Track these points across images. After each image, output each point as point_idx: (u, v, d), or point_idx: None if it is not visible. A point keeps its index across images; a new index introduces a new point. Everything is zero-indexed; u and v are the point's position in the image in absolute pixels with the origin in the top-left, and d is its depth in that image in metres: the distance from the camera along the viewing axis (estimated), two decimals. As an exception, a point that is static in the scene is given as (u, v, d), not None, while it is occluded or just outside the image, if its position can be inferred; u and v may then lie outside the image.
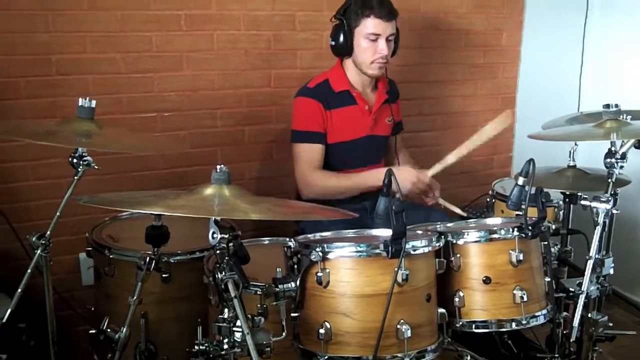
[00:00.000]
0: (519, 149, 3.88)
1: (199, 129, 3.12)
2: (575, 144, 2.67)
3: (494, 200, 3.11)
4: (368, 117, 2.83)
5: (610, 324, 2.41)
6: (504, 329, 2.05)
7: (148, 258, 2.09)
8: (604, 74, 3.85)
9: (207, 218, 1.67)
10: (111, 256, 2.36)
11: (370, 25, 2.65)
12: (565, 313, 2.34)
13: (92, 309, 2.55)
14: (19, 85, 2.78)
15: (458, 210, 2.75)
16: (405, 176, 2.60)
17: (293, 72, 3.21)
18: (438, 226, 2.28)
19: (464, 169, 3.77)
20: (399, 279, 1.79)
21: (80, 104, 2.06)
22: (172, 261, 2.31)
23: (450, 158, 2.67)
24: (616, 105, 2.26)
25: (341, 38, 2.69)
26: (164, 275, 2.28)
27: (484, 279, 1.99)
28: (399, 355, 1.81)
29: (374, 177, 2.64)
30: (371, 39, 2.66)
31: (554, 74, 3.88)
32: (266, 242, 2.55)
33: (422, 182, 2.65)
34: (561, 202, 2.77)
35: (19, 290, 1.95)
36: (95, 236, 2.49)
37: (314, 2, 3.20)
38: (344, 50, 2.72)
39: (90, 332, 2.28)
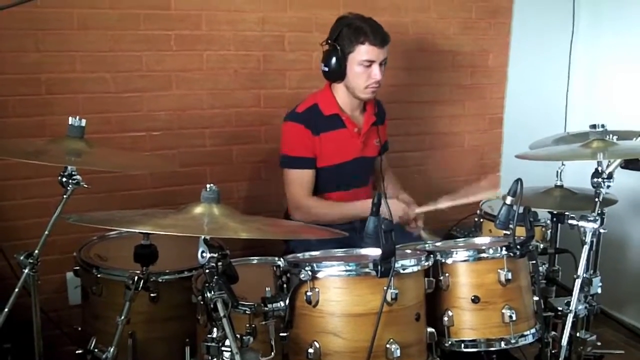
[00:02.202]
0: (507, 169, 3.90)
1: (188, 148, 3.12)
2: (563, 164, 2.70)
3: (481, 220, 3.11)
4: (357, 140, 2.84)
5: (599, 343, 2.42)
6: (492, 348, 2.05)
7: (136, 277, 2.09)
8: (590, 94, 3.89)
9: (196, 237, 1.67)
10: (99, 275, 2.35)
11: (364, 51, 2.66)
12: (553, 332, 2.34)
13: (79, 328, 2.53)
14: (8, 104, 2.77)
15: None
16: (395, 209, 2.61)
17: (282, 92, 3.23)
18: (427, 245, 2.29)
19: (452, 189, 3.78)
20: (388, 298, 1.79)
21: (70, 122, 2.07)
22: (161, 280, 2.30)
23: (444, 203, 2.63)
24: (602, 126, 2.28)
25: (334, 63, 2.68)
26: (152, 295, 2.27)
27: (473, 298, 2.00)
28: (389, 374, 1.81)
29: (366, 207, 2.64)
30: (365, 65, 2.67)
31: (541, 94, 3.91)
32: (255, 261, 2.54)
33: (409, 215, 2.67)
34: (549, 222, 2.79)
35: (6, 309, 1.94)
36: (83, 255, 2.48)
37: (303, 24, 3.22)
38: (336, 75, 2.72)
39: (78, 352, 2.27)
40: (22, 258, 1.96)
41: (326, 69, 2.72)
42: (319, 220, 2.69)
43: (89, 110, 2.86)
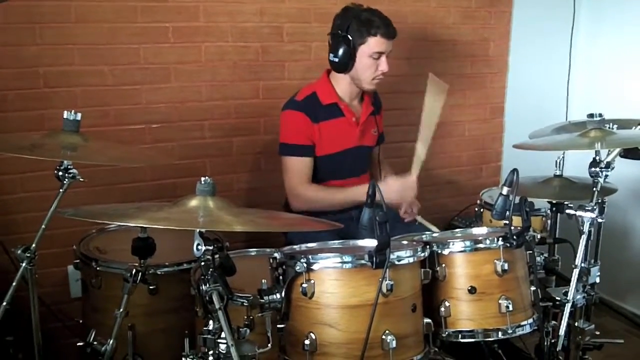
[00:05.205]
0: (508, 159, 3.90)
1: (187, 141, 3.12)
2: (562, 153, 2.68)
3: (482, 210, 3.11)
4: (356, 129, 2.84)
5: (597, 333, 2.42)
6: (490, 339, 2.05)
7: (134, 270, 2.09)
8: (592, 82, 3.87)
9: (194, 230, 1.67)
10: (98, 268, 2.36)
11: (375, 44, 2.67)
12: (553, 322, 2.34)
13: (80, 321, 2.55)
14: (6, 98, 2.78)
15: (434, 229, 2.73)
16: (393, 188, 2.62)
17: (281, 84, 3.22)
18: (423, 236, 2.28)
19: (453, 179, 3.79)
20: (384, 290, 1.79)
21: (65, 116, 2.07)
22: (159, 273, 2.31)
23: (421, 150, 2.68)
24: (600, 115, 2.27)
25: (344, 54, 2.67)
26: (150, 287, 2.28)
27: (470, 288, 2.00)
28: (385, 365, 1.81)
29: (363, 191, 2.65)
30: (374, 57, 2.68)
31: (542, 83, 3.90)
32: (253, 253, 2.56)
33: (411, 187, 2.66)
34: (548, 211, 2.78)
35: (4, 303, 1.95)
36: (83, 248, 2.49)
37: (301, 14, 3.22)
38: (345, 66, 2.71)
39: (78, 344, 2.28)
40: (19, 252, 1.97)
41: (336, 60, 2.70)
42: (316, 207, 2.70)
43: (87, 103, 2.87)
